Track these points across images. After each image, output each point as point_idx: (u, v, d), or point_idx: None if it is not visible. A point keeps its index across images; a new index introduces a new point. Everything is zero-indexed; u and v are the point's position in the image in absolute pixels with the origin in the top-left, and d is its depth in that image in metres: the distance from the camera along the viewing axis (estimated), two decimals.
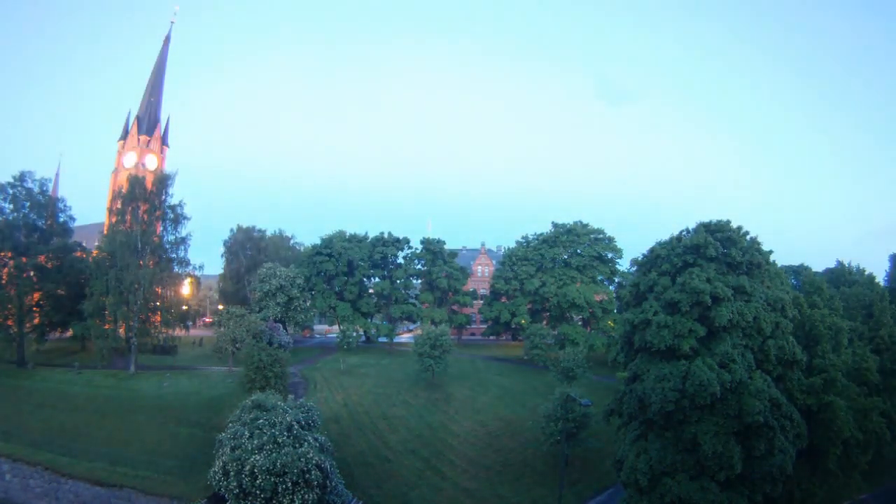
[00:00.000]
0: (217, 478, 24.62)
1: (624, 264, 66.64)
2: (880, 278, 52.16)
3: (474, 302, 73.84)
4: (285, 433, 25.76)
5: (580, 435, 35.53)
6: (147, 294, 49.77)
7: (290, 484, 23.79)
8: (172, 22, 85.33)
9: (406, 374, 50.65)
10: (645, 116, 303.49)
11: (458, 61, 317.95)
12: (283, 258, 70.01)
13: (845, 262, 57.10)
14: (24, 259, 49.27)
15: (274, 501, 23.75)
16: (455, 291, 70.37)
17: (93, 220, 72.26)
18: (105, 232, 53.53)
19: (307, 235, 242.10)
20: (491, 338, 74.60)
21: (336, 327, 70.16)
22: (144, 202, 51.14)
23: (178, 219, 52.03)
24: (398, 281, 68.47)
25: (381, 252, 68.07)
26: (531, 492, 33.83)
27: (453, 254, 70.69)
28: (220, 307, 67.75)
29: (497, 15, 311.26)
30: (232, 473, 24.05)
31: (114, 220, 51.67)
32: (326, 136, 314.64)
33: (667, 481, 24.77)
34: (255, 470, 23.66)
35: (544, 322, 64.96)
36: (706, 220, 29.85)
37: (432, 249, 68.50)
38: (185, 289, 57.43)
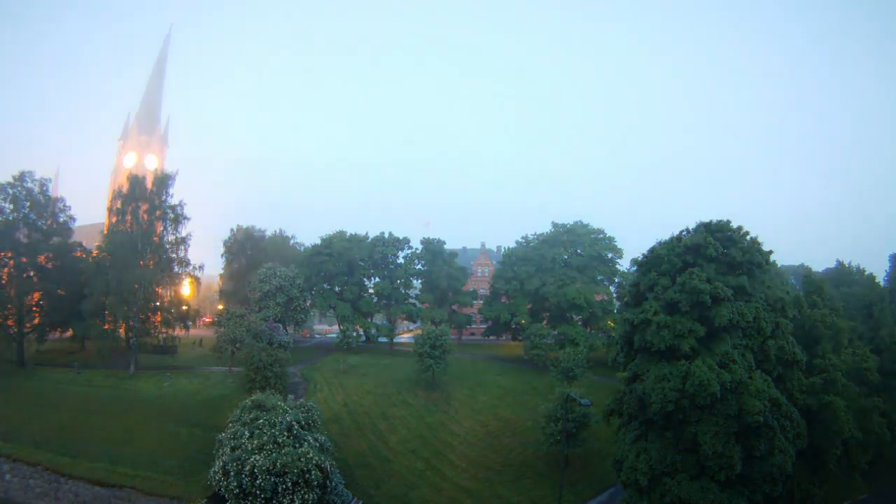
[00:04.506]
0: (217, 478, 24.62)
1: (624, 264, 66.58)
2: (880, 278, 52.26)
3: (474, 302, 73.77)
4: (285, 433, 25.77)
5: (580, 435, 35.51)
6: (147, 294, 49.73)
7: (290, 484, 23.80)
8: (172, 22, 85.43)
9: (406, 374, 50.60)
10: (645, 116, 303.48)
11: (459, 61, 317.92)
12: (283, 258, 69.80)
13: (845, 262, 57.20)
14: (24, 259, 49.23)
15: (274, 501, 23.75)
16: (455, 291, 70.29)
17: (93, 220, 72.34)
18: (105, 232, 53.43)
19: (307, 235, 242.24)
20: (491, 338, 74.46)
21: (336, 327, 70.08)
22: (144, 202, 51.10)
23: (179, 219, 51.94)
24: (398, 281, 68.38)
25: (381, 252, 68.00)
26: (531, 492, 33.82)
27: (453, 254, 70.62)
28: (220, 307, 67.62)
29: (497, 14, 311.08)
30: (232, 473, 24.05)
31: (114, 220, 51.60)
32: (327, 135, 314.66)
33: (667, 481, 24.78)
34: (255, 470, 23.66)
35: (544, 322, 64.81)
36: (706, 220, 29.88)
37: (432, 249, 68.42)
38: (185, 289, 57.30)
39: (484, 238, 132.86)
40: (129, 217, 50.65)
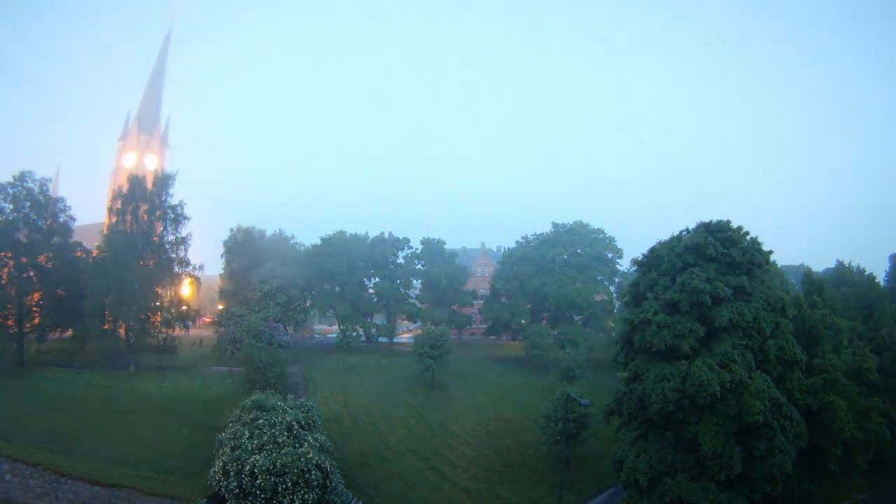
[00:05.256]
0: (217, 478, 24.63)
1: (624, 264, 66.67)
2: (880, 278, 52.29)
3: (474, 302, 73.79)
4: (285, 433, 25.77)
5: (580, 435, 35.52)
6: (147, 294, 49.71)
7: (290, 484, 23.80)
8: (172, 22, 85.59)
9: (406, 374, 50.61)
10: (646, 115, 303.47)
11: (459, 61, 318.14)
12: (283, 258, 69.88)
13: (845, 262, 57.22)
14: (24, 259, 49.17)
15: (274, 501, 23.75)
16: (455, 291, 70.28)
17: (93, 220, 72.26)
18: (105, 232, 53.44)
19: (307, 235, 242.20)
20: (491, 338, 74.50)
21: (336, 327, 70.12)
22: (144, 202, 51.15)
23: (178, 219, 51.97)
24: (398, 281, 68.42)
25: (381, 252, 68.03)
26: (531, 492, 33.82)
27: (453, 254, 70.63)
28: (220, 307, 67.65)
29: (497, 14, 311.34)
30: (232, 473, 24.06)
31: (114, 220, 51.62)
32: (326, 135, 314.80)
33: (667, 481, 24.78)
34: (255, 470, 23.67)
35: (544, 322, 64.87)
36: (706, 220, 29.87)
37: (432, 249, 68.45)
38: (185, 289, 57.32)
39: (484, 238, 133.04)
40: (129, 217, 50.67)
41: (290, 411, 27.77)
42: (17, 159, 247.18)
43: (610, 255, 66.55)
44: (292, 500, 23.85)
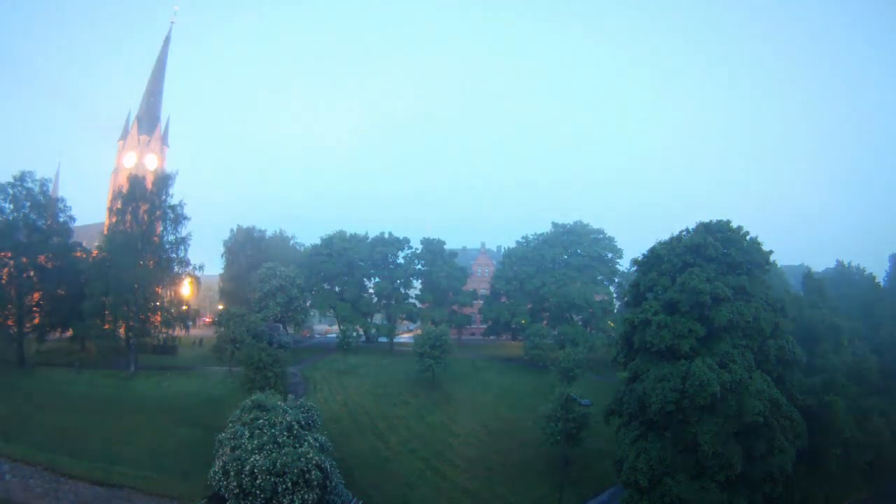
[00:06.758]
0: (217, 478, 24.61)
1: (624, 264, 66.75)
2: (880, 278, 52.36)
3: (474, 302, 73.76)
4: (285, 433, 25.76)
5: (580, 435, 35.52)
6: (147, 294, 49.66)
7: (290, 484, 23.80)
8: (172, 22, 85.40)
9: (406, 374, 50.61)
10: (645, 115, 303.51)
11: (459, 60, 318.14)
12: (283, 258, 69.87)
13: (845, 262, 57.28)
14: (24, 259, 49.13)
15: (274, 501, 23.75)
16: (455, 291, 70.28)
17: (93, 220, 72.15)
18: (105, 232, 53.42)
19: (307, 235, 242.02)
20: (491, 338, 74.47)
21: (336, 327, 70.11)
22: (144, 202, 51.07)
23: (178, 219, 51.90)
24: (398, 281, 68.40)
25: (380, 252, 68.01)
26: (531, 492, 33.83)
27: (453, 254, 70.61)
28: (220, 307, 67.64)
29: (499, 13, 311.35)
30: (232, 473, 24.04)
31: (114, 220, 51.59)
32: (326, 135, 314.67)
33: (667, 481, 24.79)
34: (255, 470, 23.66)
35: (544, 322, 64.88)
36: (706, 220, 29.93)
37: (432, 249, 68.42)
38: (185, 289, 57.25)
39: (484, 238, 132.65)
40: (129, 217, 50.61)
41: (290, 411, 27.74)
42: (17, 159, 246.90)
43: (610, 256, 66.66)
44: (292, 500, 23.84)
